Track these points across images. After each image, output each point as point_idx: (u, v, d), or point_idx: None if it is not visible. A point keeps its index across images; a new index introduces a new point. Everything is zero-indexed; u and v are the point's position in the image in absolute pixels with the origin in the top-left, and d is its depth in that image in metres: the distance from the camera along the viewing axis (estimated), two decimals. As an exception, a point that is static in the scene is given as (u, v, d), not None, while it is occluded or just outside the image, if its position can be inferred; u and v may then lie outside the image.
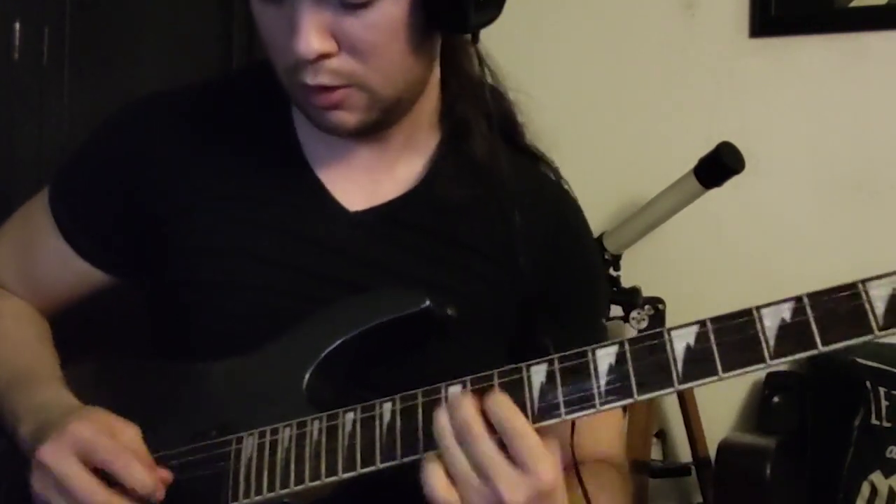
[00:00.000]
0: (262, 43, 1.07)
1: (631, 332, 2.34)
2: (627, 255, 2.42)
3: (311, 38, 0.99)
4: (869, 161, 2.42)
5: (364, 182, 1.17)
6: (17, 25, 1.92)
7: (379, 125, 1.11)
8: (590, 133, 2.51)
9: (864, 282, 0.84)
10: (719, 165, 2.24)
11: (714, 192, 2.29)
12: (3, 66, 1.91)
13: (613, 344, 0.90)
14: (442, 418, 0.92)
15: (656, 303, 2.35)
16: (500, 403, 0.91)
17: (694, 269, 2.56)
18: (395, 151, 1.17)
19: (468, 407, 0.91)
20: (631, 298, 2.34)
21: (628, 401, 0.89)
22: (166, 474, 1.03)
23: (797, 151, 2.49)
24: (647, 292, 2.36)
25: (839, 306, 0.84)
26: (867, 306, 0.83)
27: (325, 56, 1.01)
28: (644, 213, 2.37)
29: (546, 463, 0.90)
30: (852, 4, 2.42)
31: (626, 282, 2.36)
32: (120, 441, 1.00)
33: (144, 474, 0.99)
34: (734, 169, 2.25)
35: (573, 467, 1.04)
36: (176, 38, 2.17)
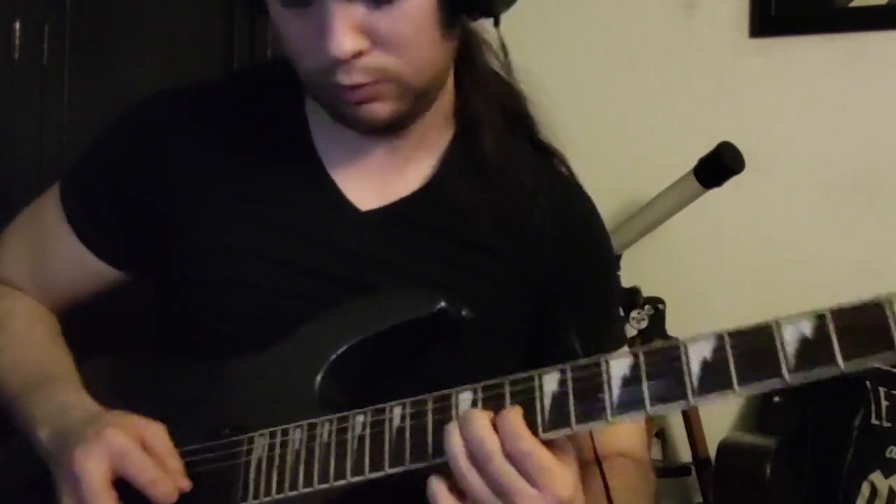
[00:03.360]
0: (286, 50, 1.07)
1: (631, 332, 2.34)
2: (627, 255, 2.42)
3: (344, 38, 0.99)
4: (869, 161, 2.42)
5: (376, 181, 1.16)
6: (17, 25, 1.92)
7: (406, 118, 1.10)
8: (590, 133, 2.50)
9: (890, 297, 0.80)
10: (719, 165, 2.24)
11: (714, 192, 2.29)
12: (3, 66, 1.90)
13: (628, 355, 0.90)
14: (454, 437, 0.91)
15: (656, 303, 2.35)
16: (509, 422, 0.91)
17: (694, 269, 2.55)
18: (408, 150, 1.17)
19: (481, 427, 0.90)
20: (631, 298, 2.33)
21: (640, 414, 0.88)
22: (186, 485, 1.03)
23: (797, 151, 2.48)
24: (647, 292, 2.36)
25: (863, 322, 0.80)
26: (892, 324, 0.79)
27: (358, 54, 1.00)
28: (644, 213, 2.37)
29: (560, 478, 0.90)
30: (852, 4, 2.41)
31: (626, 282, 2.36)
32: (151, 449, 1.01)
33: (166, 490, 1.00)
34: (734, 169, 2.25)
35: (595, 465, 1.05)
36: (176, 38, 2.16)
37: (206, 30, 2.21)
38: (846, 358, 0.80)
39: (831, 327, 0.81)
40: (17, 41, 1.94)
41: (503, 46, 1.13)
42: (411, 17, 1.01)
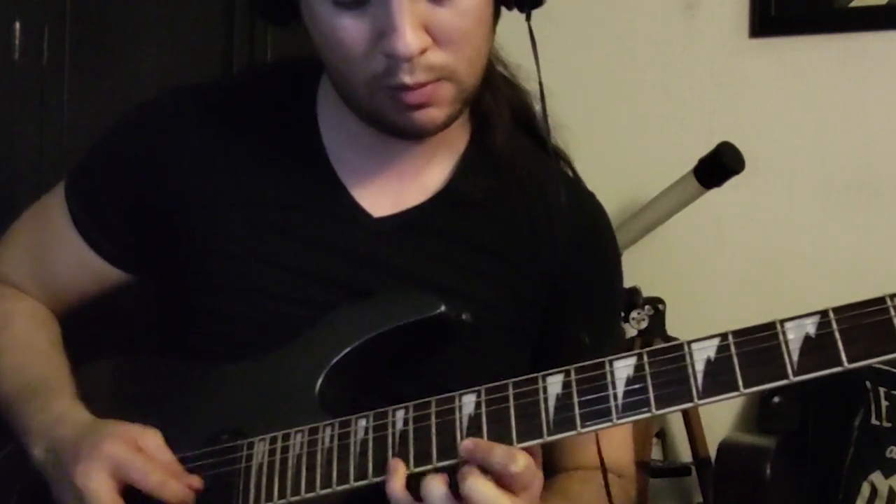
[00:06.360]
0: (332, 57, 1.05)
1: (631, 332, 2.34)
2: (627, 255, 2.41)
3: (412, 36, 0.98)
4: (869, 161, 2.42)
5: (392, 187, 1.16)
6: (17, 25, 1.91)
7: (453, 121, 1.10)
8: (589, 133, 2.48)
9: (892, 296, 0.81)
10: (719, 165, 2.24)
11: (714, 192, 2.29)
12: (3, 66, 1.89)
13: (632, 356, 0.90)
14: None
15: (656, 303, 2.36)
16: (477, 449, 0.92)
17: (694, 269, 2.55)
18: (428, 154, 1.16)
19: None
20: (631, 298, 2.34)
21: (646, 415, 0.88)
22: (196, 481, 1.03)
23: (797, 151, 2.49)
24: (647, 292, 2.36)
25: (866, 321, 0.81)
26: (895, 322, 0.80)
27: (422, 52, 1.00)
28: (644, 213, 2.37)
29: (539, 475, 0.93)
30: (852, 4, 2.42)
31: (627, 282, 2.35)
32: (148, 454, 1.01)
33: (177, 488, 1.00)
34: (734, 169, 2.25)
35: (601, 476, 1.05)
36: (176, 38, 2.16)
37: (206, 30, 2.21)
38: (850, 357, 0.81)
39: (835, 326, 0.82)
40: (17, 42, 1.93)
41: (532, 38, 1.11)
42: (470, 13, 1.02)
